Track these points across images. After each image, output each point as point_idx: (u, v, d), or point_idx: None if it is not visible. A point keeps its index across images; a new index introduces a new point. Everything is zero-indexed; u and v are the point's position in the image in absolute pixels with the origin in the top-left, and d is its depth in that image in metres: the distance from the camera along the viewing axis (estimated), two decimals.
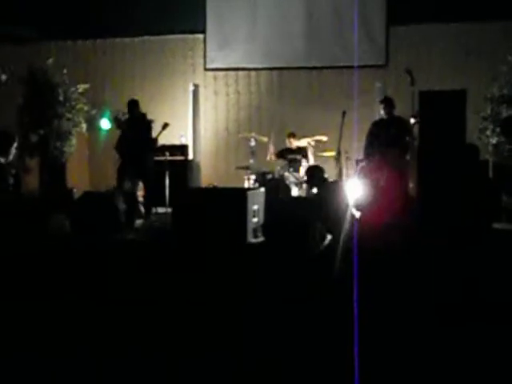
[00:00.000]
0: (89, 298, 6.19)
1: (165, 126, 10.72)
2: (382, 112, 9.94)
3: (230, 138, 13.10)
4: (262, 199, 9.65)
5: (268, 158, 11.83)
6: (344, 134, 10.27)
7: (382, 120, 9.96)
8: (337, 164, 10.54)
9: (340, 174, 10.63)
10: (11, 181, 8.46)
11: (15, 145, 8.57)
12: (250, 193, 9.41)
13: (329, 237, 8.88)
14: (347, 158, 11.23)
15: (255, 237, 9.20)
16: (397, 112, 10.78)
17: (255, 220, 9.37)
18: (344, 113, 10.14)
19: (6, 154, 8.48)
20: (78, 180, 12.50)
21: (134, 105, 10.76)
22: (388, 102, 9.97)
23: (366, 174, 10.18)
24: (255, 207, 9.39)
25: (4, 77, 10.70)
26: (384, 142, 9.69)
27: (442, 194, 8.95)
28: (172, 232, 9.43)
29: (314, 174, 10.56)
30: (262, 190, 10.10)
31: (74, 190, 11.88)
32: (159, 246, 9.07)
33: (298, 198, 11.15)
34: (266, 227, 9.17)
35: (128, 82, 13.79)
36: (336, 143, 10.32)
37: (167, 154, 11.33)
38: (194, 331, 5.29)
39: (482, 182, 9.71)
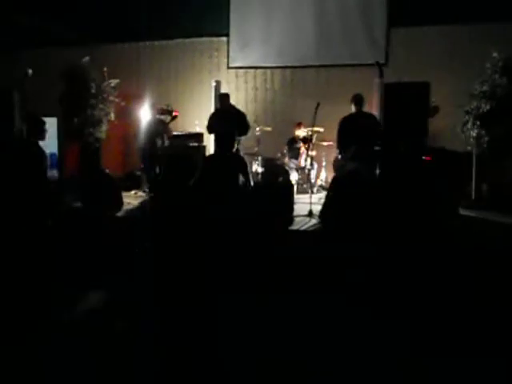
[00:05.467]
0: None
1: (174, 117, 9.82)
2: (353, 108, 8.54)
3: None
4: None
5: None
6: None
7: (352, 115, 8.56)
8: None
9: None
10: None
11: (46, 128, 7.85)
12: None
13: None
14: None
15: None
16: None
17: None
18: (318, 104, 8.77)
19: (43, 137, 7.80)
20: (113, 162, 11.62)
21: (225, 97, 9.94)
22: (360, 99, 8.59)
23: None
24: None
25: (30, 71, 9.88)
26: (357, 133, 8.35)
27: (404, 182, 7.56)
28: None
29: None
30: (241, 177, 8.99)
31: (107, 171, 11.06)
32: None
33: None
34: None
35: (164, 78, 12.97)
36: (334, 134, 9.07)
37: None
38: None
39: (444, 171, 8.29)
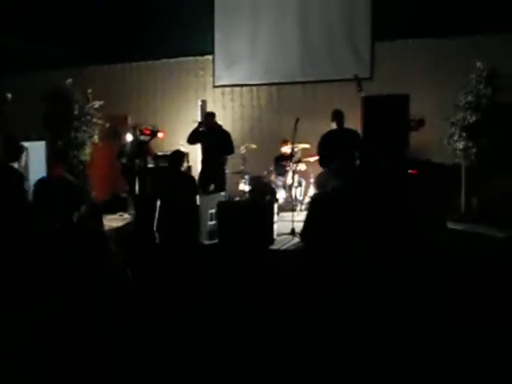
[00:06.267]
0: None
1: (153, 137, 9.79)
2: (334, 125, 8.47)
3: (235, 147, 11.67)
4: None
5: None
6: None
7: (332, 131, 8.49)
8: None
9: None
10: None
11: (25, 151, 7.66)
12: (205, 197, 8.20)
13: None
14: None
15: (211, 239, 7.95)
16: None
17: (212, 223, 8.14)
18: (297, 120, 8.75)
19: (18, 159, 7.59)
20: (98, 185, 11.56)
21: (211, 116, 9.89)
22: (338, 115, 8.50)
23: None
24: (212, 210, 8.16)
25: (10, 96, 9.86)
26: (337, 150, 8.26)
27: (385, 197, 7.43)
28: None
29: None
30: (223, 193, 8.90)
31: (93, 194, 11.00)
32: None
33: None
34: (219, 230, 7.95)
35: (151, 99, 12.98)
36: None
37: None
38: None
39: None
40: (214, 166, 9.58)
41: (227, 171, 10.05)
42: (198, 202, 7.80)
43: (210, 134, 9.75)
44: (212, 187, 9.36)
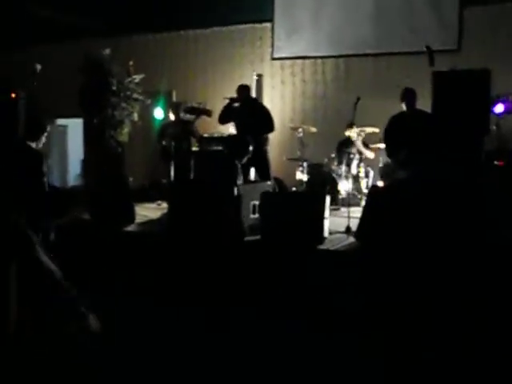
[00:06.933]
0: None
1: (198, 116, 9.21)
2: (404, 106, 7.74)
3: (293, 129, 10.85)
4: None
5: None
6: None
7: (402, 114, 7.73)
8: None
9: None
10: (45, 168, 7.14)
11: (45, 133, 7.17)
12: (246, 187, 7.51)
13: None
14: None
15: (252, 234, 7.26)
16: None
17: (254, 216, 7.45)
18: (358, 99, 7.97)
19: (37, 139, 7.13)
20: (137, 169, 11.06)
21: (244, 90, 9.31)
22: (408, 95, 7.78)
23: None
24: (256, 202, 7.46)
25: (39, 67, 9.46)
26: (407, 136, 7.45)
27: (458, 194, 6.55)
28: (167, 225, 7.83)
29: None
30: (269, 183, 8.15)
31: (131, 179, 10.47)
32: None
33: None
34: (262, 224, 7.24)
35: (200, 72, 12.27)
36: None
37: None
38: None
39: None
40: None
41: (268, 154, 9.30)
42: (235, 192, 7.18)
43: (243, 110, 9.05)
44: (252, 174, 8.73)
